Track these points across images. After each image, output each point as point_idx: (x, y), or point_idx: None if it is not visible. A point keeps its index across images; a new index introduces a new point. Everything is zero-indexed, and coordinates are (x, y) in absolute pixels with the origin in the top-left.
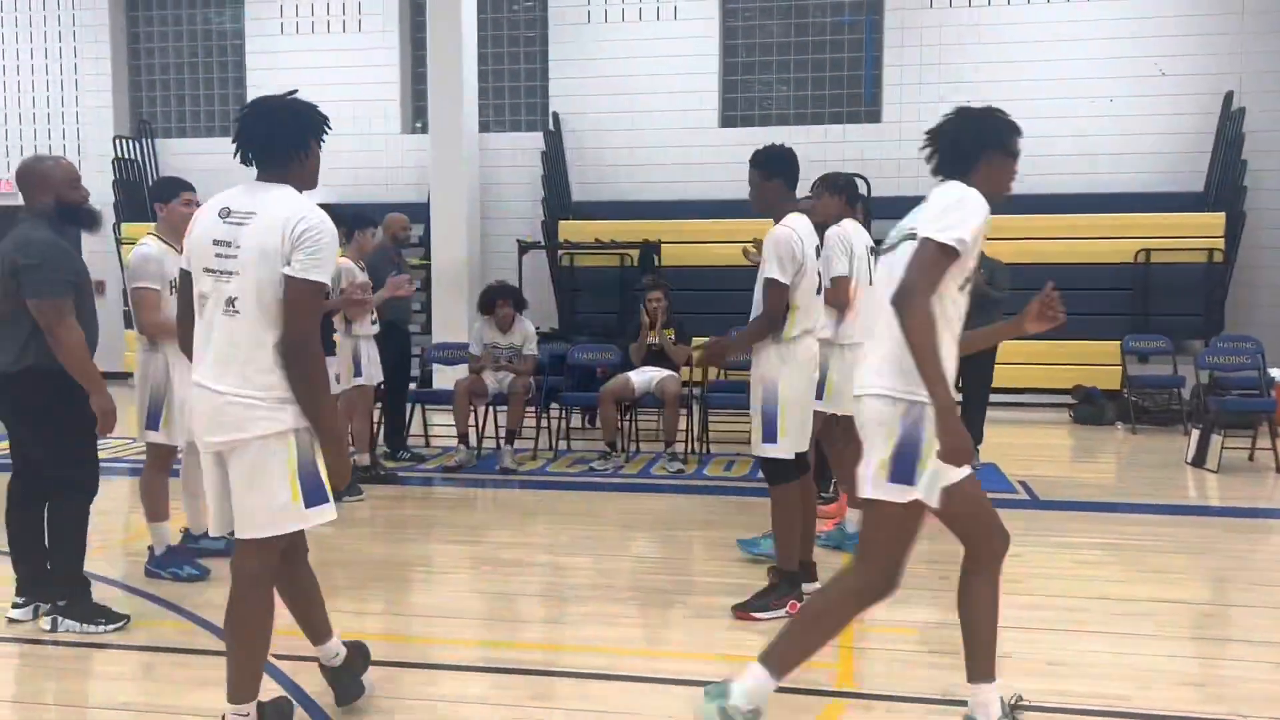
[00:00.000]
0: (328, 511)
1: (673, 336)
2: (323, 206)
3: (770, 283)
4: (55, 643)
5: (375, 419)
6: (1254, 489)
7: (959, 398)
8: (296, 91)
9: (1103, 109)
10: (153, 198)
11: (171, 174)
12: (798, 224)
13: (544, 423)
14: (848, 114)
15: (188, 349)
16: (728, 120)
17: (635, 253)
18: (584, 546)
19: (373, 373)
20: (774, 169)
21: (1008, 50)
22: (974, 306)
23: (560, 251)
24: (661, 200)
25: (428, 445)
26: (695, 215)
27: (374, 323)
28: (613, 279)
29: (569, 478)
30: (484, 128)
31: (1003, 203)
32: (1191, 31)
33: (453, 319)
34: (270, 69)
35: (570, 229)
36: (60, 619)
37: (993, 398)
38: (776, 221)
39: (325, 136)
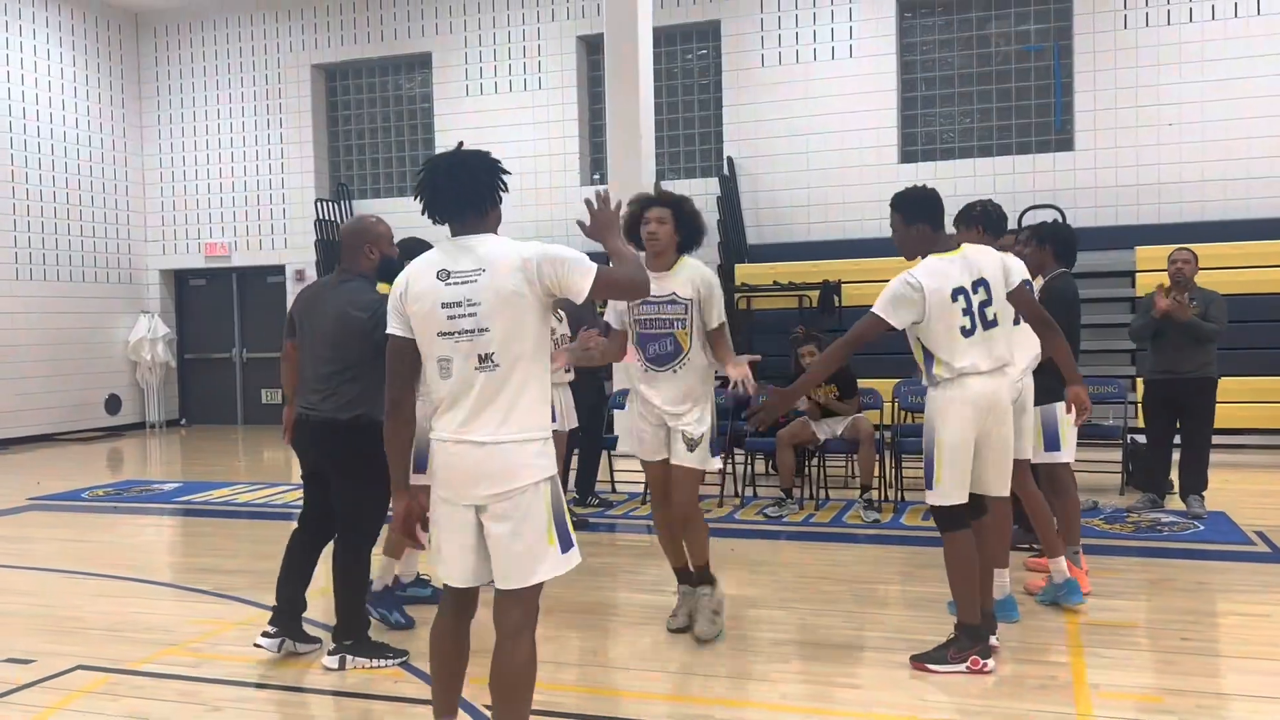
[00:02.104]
0: (576, 556)
1: (836, 394)
2: None
3: (870, 314)
4: (282, 687)
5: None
6: None
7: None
8: (463, 144)
9: None
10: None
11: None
12: (926, 266)
13: (728, 468)
14: (1036, 143)
15: (404, 411)
16: (908, 155)
17: (815, 294)
18: (776, 599)
19: (567, 419)
20: (914, 214)
21: (1213, 68)
22: (1189, 340)
23: (737, 295)
24: (840, 239)
25: (614, 491)
26: (876, 254)
27: (567, 370)
28: (791, 321)
29: (756, 525)
30: (660, 176)
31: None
32: None
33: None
34: (457, 130)
35: (747, 272)
36: (349, 657)
37: (1215, 439)
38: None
39: (506, 185)
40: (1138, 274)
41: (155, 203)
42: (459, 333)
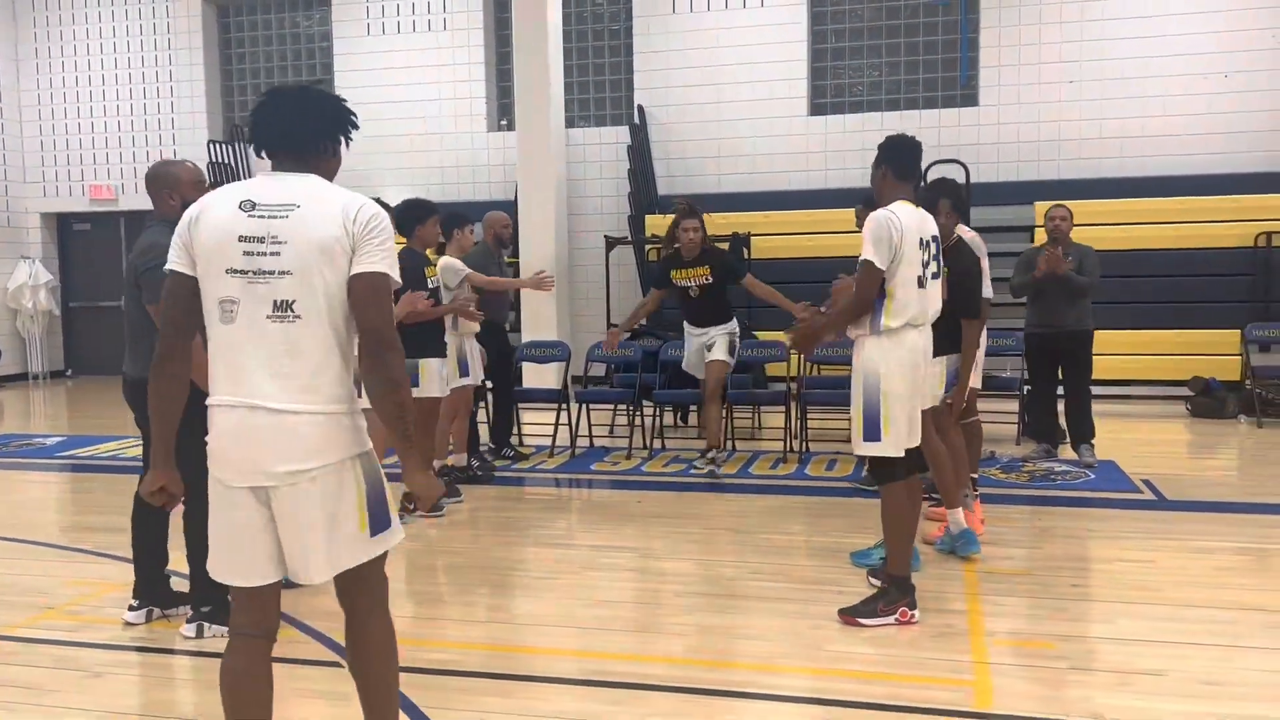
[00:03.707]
0: (393, 536)
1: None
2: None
3: (863, 264)
4: (163, 650)
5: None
6: None
7: (1060, 390)
8: (320, 82)
9: (1218, 85)
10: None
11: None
12: (900, 210)
13: (637, 421)
14: (943, 98)
15: (173, 364)
16: (817, 108)
17: (724, 245)
18: (681, 551)
19: (476, 372)
20: (880, 156)
21: (1114, 26)
22: (1067, 294)
23: (647, 246)
24: (750, 191)
25: (520, 444)
26: (786, 206)
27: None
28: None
29: (664, 478)
30: (569, 123)
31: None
32: None
33: (542, 317)
34: (356, 70)
35: (657, 223)
36: (206, 624)
37: (1102, 390)
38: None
39: (351, 135)
40: (1037, 229)
41: (34, 141)
42: (255, 272)
